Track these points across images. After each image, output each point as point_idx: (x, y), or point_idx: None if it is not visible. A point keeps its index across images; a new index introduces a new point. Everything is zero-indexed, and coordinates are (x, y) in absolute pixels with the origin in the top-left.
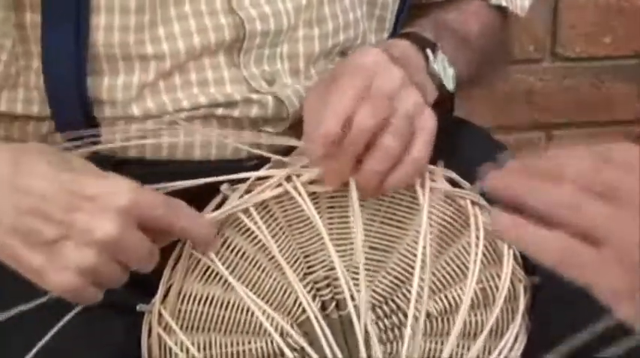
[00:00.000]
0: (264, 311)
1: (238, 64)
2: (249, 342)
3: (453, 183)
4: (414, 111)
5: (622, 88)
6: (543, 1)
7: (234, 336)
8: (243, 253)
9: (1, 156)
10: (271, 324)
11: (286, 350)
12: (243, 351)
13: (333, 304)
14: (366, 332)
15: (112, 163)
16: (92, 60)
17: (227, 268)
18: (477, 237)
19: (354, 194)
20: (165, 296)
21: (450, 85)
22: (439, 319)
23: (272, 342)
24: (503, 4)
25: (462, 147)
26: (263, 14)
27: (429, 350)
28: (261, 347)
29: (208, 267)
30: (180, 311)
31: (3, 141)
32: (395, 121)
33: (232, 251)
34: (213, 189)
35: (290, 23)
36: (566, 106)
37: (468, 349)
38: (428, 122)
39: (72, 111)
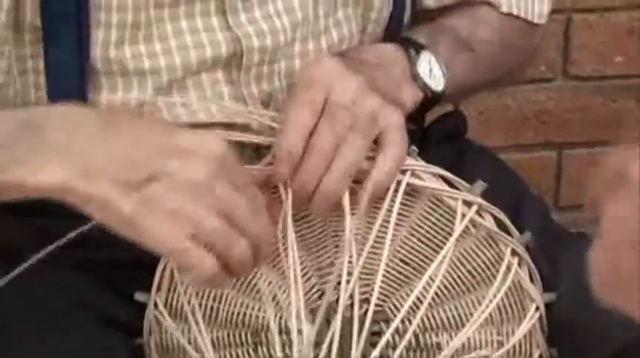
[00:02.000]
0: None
1: (238, 81)
2: (259, 309)
3: (500, 223)
4: (373, 112)
5: (633, 106)
6: (555, 21)
7: (244, 297)
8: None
9: (91, 116)
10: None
11: (272, 326)
12: (250, 315)
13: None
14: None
15: None
16: (91, 75)
17: None
18: (498, 290)
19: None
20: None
21: (437, 86)
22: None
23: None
24: (515, 12)
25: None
26: (260, 30)
27: None
28: (265, 319)
29: None
30: None
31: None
32: (355, 129)
33: None
34: None
35: (287, 39)
36: (578, 125)
37: None
38: (392, 118)
39: None
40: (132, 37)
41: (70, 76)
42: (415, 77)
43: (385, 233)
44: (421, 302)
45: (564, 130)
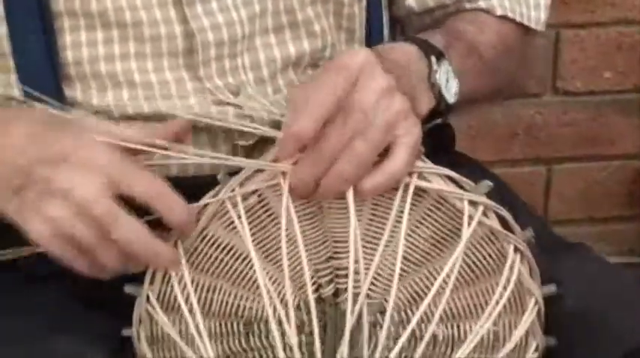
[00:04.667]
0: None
1: (200, 77)
2: (252, 300)
3: (504, 222)
4: (395, 120)
5: (622, 122)
6: (544, 36)
7: (238, 289)
8: (264, 227)
9: None
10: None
11: (271, 321)
12: (243, 306)
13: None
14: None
15: None
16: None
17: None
18: (508, 281)
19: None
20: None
21: (450, 97)
22: (442, 345)
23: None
24: (510, 15)
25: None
26: (215, 24)
27: None
28: (257, 310)
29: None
30: (196, 249)
31: None
32: (371, 129)
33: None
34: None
35: (245, 32)
36: (567, 140)
37: None
38: (410, 130)
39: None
40: (88, 26)
41: (42, 71)
42: (433, 85)
43: (393, 233)
44: (420, 296)
45: (553, 145)
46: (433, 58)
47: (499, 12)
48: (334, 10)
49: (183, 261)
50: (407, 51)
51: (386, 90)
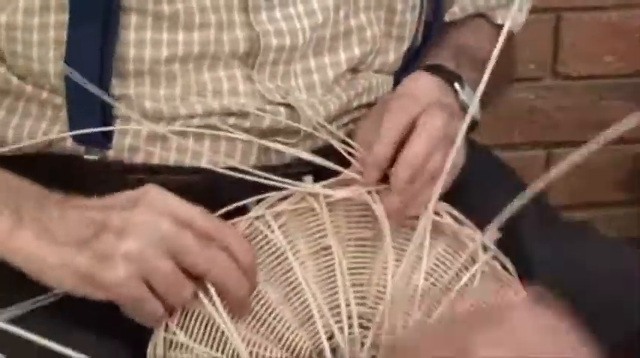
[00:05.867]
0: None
1: (253, 79)
2: (265, 348)
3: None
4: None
5: (622, 106)
6: (544, 20)
7: (252, 335)
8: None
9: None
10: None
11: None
12: (256, 354)
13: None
14: None
15: (120, 169)
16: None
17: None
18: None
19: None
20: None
21: (477, 115)
22: None
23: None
24: (499, 21)
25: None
26: (279, 30)
27: None
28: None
29: None
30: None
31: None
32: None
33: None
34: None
35: (305, 40)
36: (567, 125)
37: None
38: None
39: (90, 110)
40: (155, 25)
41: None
42: (462, 109)
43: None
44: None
45: (553, 129)
46: (457, 85)
47: (499, 21)
48: (385, 17)
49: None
50: (433, 83)
51: (446, 117)
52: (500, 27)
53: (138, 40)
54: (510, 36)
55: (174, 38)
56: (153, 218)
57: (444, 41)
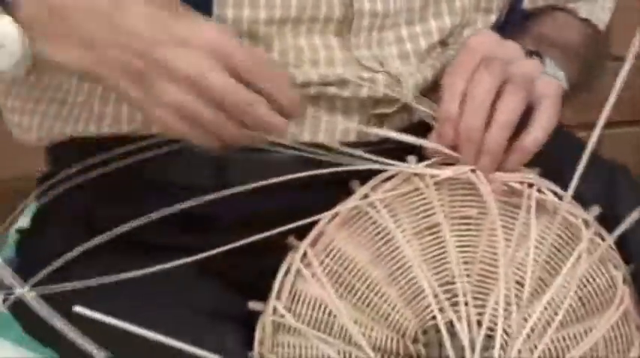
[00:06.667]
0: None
1: (349, 46)
2: (372, 328)
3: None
4: (534, 76)
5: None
6: None
7: (359, 315)
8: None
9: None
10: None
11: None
12: (363, 334)
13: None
14: None
15: None
16: None
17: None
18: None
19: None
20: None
21: (564, 84)
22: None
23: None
24: (584, 15)
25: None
26: None
27: None
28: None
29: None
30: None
31: None
32: (514, 79)
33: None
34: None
35: (397, 7)
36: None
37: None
38: (550, 87)
39: None
40: None
41: None
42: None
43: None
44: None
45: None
46: (535, 57)
47: (583, 15)
48: None
49: (319, 271)
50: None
51: (517, 51)
52: (586, 22)
53: (236, 1)
54: (597, 31)
55: (272, 0)
56: (196, 61)
57: (525, 30)
